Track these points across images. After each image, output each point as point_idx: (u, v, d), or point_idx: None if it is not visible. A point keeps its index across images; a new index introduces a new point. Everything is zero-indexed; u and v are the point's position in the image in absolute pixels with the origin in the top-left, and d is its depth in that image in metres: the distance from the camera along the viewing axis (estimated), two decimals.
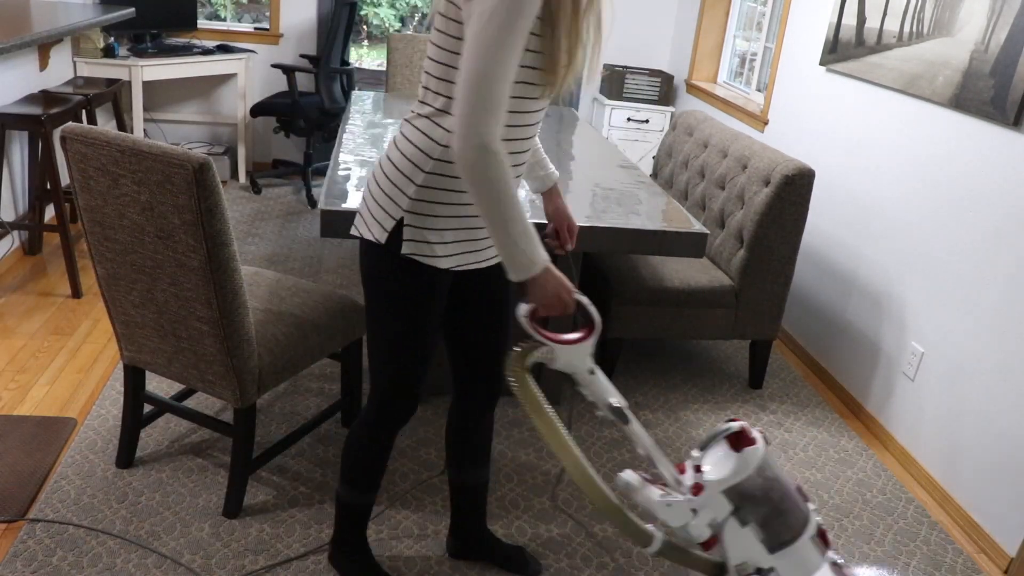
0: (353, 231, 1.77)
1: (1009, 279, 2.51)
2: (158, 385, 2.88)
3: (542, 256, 1.52)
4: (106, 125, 4.69)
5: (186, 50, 4.83)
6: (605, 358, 3.16)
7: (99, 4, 4.55)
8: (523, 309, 1.59)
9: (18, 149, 3.84)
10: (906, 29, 3.06)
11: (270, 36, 5.30)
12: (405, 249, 1.66)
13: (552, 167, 1.99)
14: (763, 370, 3.32)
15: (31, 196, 3.79)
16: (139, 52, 4.65)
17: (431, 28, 1.62)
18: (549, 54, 1.53)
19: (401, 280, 1.70)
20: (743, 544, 1.44)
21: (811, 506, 1.51)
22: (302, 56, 5.29)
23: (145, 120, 5.29)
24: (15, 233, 3.83)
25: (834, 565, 1.47)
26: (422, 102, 1.65)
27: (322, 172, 5.47)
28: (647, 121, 5.32)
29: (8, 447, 2.47)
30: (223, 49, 5.04)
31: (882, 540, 2.51)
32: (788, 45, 4.03)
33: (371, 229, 1.70)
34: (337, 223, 2.42)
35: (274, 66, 4.87)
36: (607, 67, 5.46)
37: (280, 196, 5.11)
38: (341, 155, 2.99)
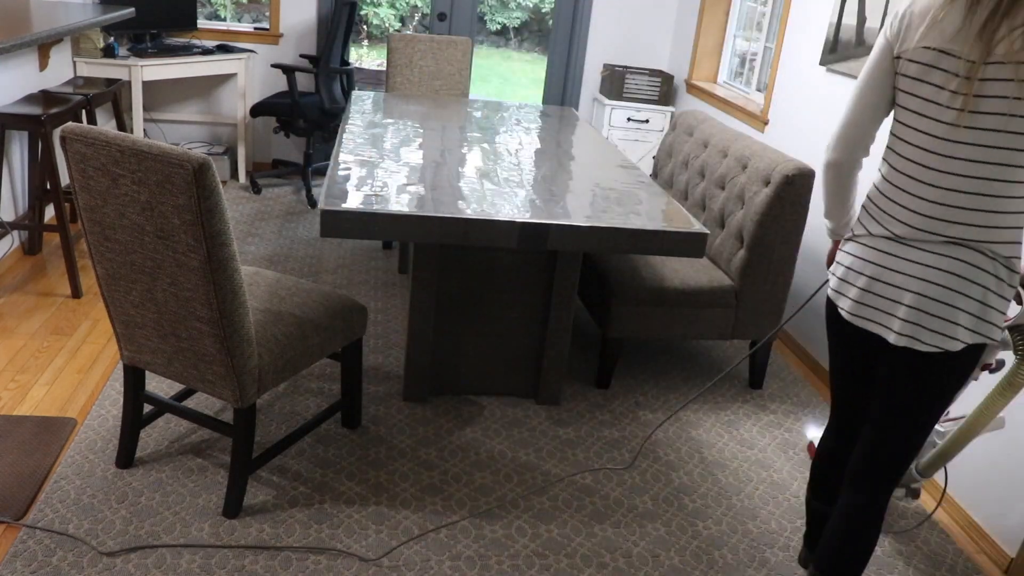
0: (928, 347, 1.73)
1: None
2: (158, 385, 2.88)
3: None
4: (106, 125, 4.69)
5: (186, 50, 4.83)
6: (605, 358, 3.16)
7: (99, 4, 4.55)
8: None
9: (18, 149, 3.84)
10: None
11: (270, 36, 5.30)
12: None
13: None
14: (763, 370, 3.32)
15: (31, 196, 3.79)
16: (139, 52, 4.65)
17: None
18: None
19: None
20: None
21: None
22: (302, 56, 5.29)
23: (145, 120, 5.29)
24: (15, 233, 3.83)
25: None
26: None
27: (322, 172, 5.48)
28: (647, 121, 5.32)
29: (8, 447, 2.47)
30: (223, 49, 5.04)
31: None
32: (788, 45, 4.03)
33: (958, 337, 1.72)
34: (337, 223, 2.42)
35: (274, 66, 4.87)
36: (607, 67, 5.46)
37: (280, 196, 5.11)
38: (341, 155, 2.99)
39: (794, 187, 3.00)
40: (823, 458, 2.12)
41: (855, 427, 2.05)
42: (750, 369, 3.34)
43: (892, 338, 1.75)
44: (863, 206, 1.85)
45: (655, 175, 4.08)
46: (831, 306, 1.93)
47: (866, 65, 1.79)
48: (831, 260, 2.09)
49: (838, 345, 1.97)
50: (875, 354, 1.91)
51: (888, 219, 1.76)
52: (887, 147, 1.79)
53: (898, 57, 1.72)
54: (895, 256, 1.75)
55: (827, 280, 2.14)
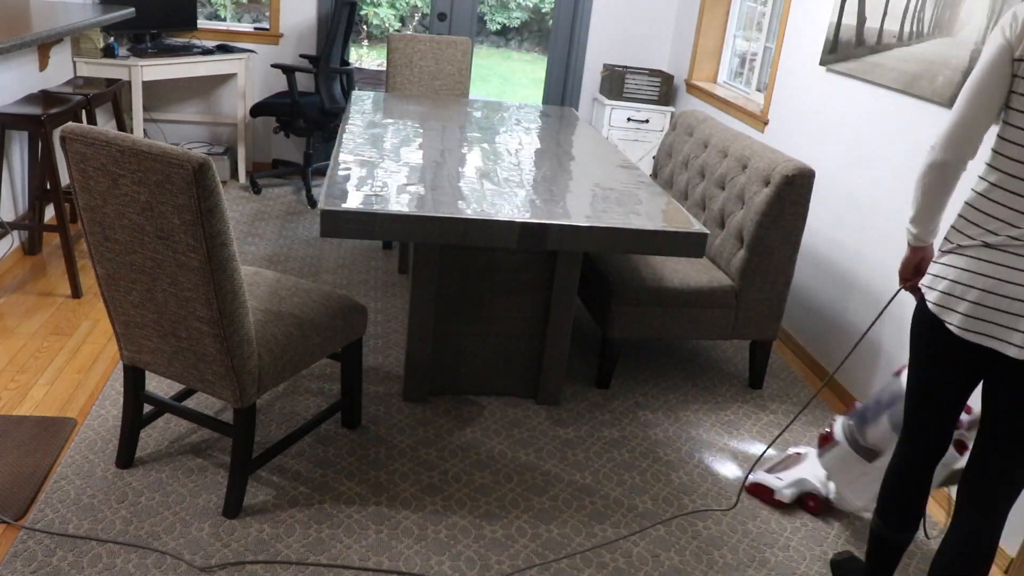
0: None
1: None
2: (158, 385, 2.88)
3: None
4: (106, 125, 4.69)
5: (186, 50, 4.83)
6: (605, 358, 3.16)
7: (99, 4, 4.55)
8: None
9: (18, 149, 3.84)
10: (906, 29, 3.06)
11: (270, 36, 5.30)
12: None
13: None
14: (763, 370, 3.32)
15: (31, 196, 3.79)
16: (139, 52, 4.65)
17: None
18: None
19: None
20: None
21: None
22: (302, 56, 5.29)
23: (145, 120, 5.29)
24: (15, 233, 3.83)
25: None
26: None
27: (322, 172, 5.48)
28: (647, 121, 5.32)
29: (8, 447, 2.47)
30: (223, 49, 5.04)
31: None
32: (788, 45, 4.04)
33: None
34: (337, 223, 2.42)
35: (274, 66, 4.87)
36: (607, 67, 5.46)
37: (280, 196, 5.11)
38: (341, 155, 2.99)
39: (794, 187, 3.00)
40: (897, 483, 2.04)
41: (932, 449, 1.98)
42: (750, 369, 3.34)
43: (1013, 352, 1.70)
44: (962, 215, 1.79)
45: (655, 175, 4.08)
46: (933, 321, 1.83)
47: (980, 64, 1.72)
48: (906, 268, 1.99)
49: (938, 362, 1.87)
50: (983, 371, 1.84)
51: (1001, 225, 1.71)
52: (995, 152, 1.73)
53: (1020, 59, 1.67)
54: (1010, 267, 1.69)
55: (898, 291, 2.14)
